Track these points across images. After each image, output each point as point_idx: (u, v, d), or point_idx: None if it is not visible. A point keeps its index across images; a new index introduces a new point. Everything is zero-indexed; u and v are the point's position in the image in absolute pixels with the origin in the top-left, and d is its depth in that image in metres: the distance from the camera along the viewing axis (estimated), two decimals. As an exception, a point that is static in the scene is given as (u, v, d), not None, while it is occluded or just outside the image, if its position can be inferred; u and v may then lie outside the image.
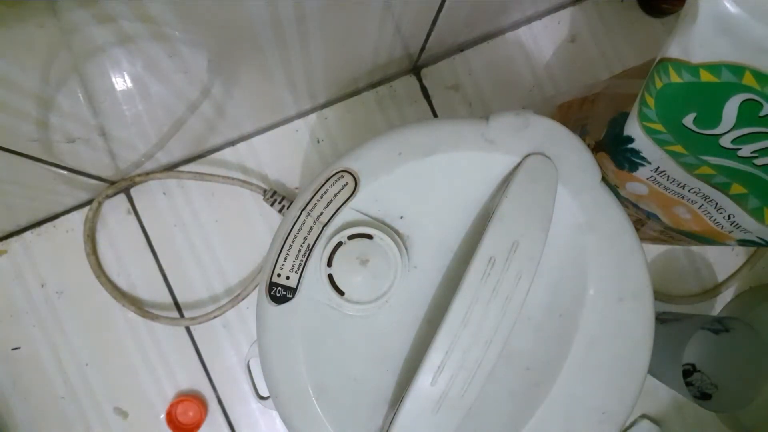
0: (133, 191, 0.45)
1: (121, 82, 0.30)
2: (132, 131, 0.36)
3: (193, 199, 0.45)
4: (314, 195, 0.29)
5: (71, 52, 0.26)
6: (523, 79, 0.47)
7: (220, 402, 0.44)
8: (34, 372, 0.44)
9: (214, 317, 0.42)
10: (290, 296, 0.29)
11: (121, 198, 0.45)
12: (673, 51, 0.23)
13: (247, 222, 0.45)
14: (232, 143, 0.46)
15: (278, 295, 0.29)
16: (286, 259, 0.29)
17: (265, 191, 0.43)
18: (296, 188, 0.46)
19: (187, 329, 0.44)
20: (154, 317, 0.42)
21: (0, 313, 0.44)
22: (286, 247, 0.29)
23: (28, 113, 0.29)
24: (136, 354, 0.44)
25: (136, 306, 0.43)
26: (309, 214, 0.29)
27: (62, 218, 0.45)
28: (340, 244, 0.28)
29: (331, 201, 0.29)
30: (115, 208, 0.45)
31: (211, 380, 0.44)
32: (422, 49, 0.43)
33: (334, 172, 0.29)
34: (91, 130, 0.34)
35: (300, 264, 0.29)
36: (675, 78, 0.24)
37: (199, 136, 0.42)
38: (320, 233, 0.29)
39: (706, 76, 0.23)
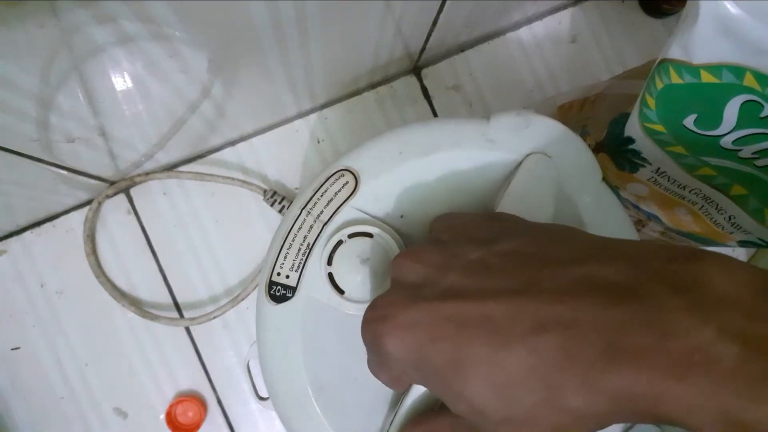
0: (133, 191, 0.45)
1: (121, 82, 0.30)
2: (132, 131, 0.36)
3: (193, 199, 0.45)
4: (314, 194, 0.29)
5: (71, 52, 0.26)
6: (523, 80, 0.47)
7: (219, 402, 0.44)
8: (34, 372, 0.44)
9: (214, 317, 0.42)
10: (290, 295, 0.28)
11: (121, 198, 0.45)
12: (674, 52, 0.23)
13: (247, 222, 0.45)
14: (232, 143, 0.46)
15: (278, 294, 0.29)
16: (286, 258, 0.29)
17: (265, 191, 0.43)
18: (296, 188, 0.46)
19: (187, 329, 0.44)
20: (154, 317, 0.42)
21: (0, 313, 0.44)
22: (286, 245, 0.29)
23: (28, 113, 0.29)
24: (136, 354, 0.44)
25: (136, 306, 0.43)
26: (309, 212, 0.29)
27: (62, 218, 0.45)
28: (340, 242, 0.28)
29: (331, 200, 0.29)
30: (115, 208, 0.45)
31: (210, 380, 0.44)
32: (423, 49, 0.43)
33: (334, 170, 0.29)
34: (91, 130, 0.34)
35: (300, 263, 0.29)
36: (676, 79, 0.24)
37: (199, 136, 0.42)
38: (320, 232, 0.29)
39: (706, 77, 0.23)
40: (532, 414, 0.17)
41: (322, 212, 0.29)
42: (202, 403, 0.44)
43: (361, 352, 0.28)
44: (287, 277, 0.29)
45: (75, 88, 0.29)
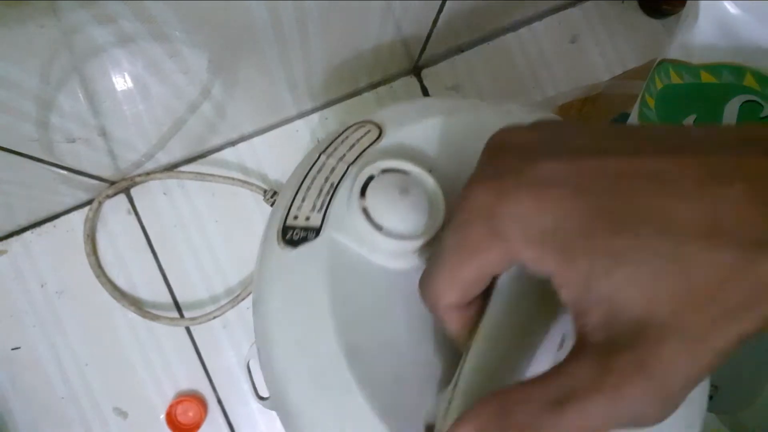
0: (133, 191, 0.45)
1: (122, 83, 0.30)
2: (132, 131, 0.36)
3: (194, 199, 0.45)
4: (335, 140, 0.25)
5: (72, 52, 0.26)
6: (523, 80, 0.47)
7: (220, 402, 0.44)
8: (34, 372, 0.44)
9: (214, 317, 0.42)
10: (313, 236, 0.23)
11: (122, 198, 0.45)
12: (674, 52, 0.23)
13: (247, 222, 0.45)
14: (233, 143, 0.46)
15: (296, 237, 0.23)
16: (304, 200, 0.24)
17: (265, 191, 0.43)
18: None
19: (187, 329, 0.44)
20: (154, 317, 0.42)
21: (0, 313, 0.44)
22: (304, 188, 0.24)
23: (28, 113, 0.29)
24: (136, 354, 0.44)
25: (136, 306, 0.43)
26: (330, 155, 0.25)
27: (62, 218, 0.45)
28: (371, 177, 0.23)
29: (354, 145, 0.25)
30: (115, 208, 0.45)
31: (211, 380, 0.44)
32: (423, 49, 0.43)
33: (354, 122, 0.25)
34: (92, 130, 0.34)
35: (323, 203, 0.23)
36: (675, 79, 0.24)
37: (200, 136, 0.42)
38: (345, 172, 0.24)
39: (706, 78, 0.23)
40: (718, 281, 0.13)
41: (345, 155, 0.24)
42: (202, 403, 0.44)
43: (400, 315, 0.23)
44: (307, 219, 0.23)
45: (75, 88, 0.29)
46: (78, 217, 0.45)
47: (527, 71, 0.47)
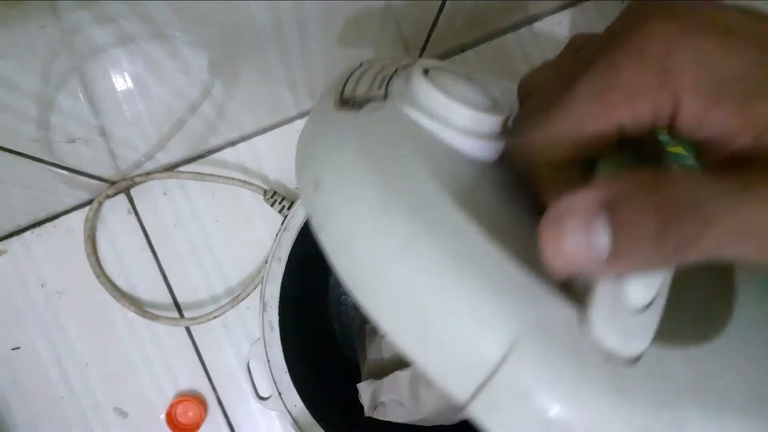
0: (133, 191, 0.45)
1: (122, 83, 0.30)
2: (132, 131, 0.36)
3: (194, 199, 0.45)
4: (372, 58, 0.23)
5: (72, 52, 0.26)
6: (523, 80, 0.47)
7: (220, 402, 0.44)
8: (34, 372, 0.44)
9: (214, 317, 0.42)
10: (380, 101, 0.20)
11: (122, 198, 0.45)
12: (674, 52, 0.23)
13: (247, 222, 0.45)
14: (233, 143, 0.46)
15: (359, 101, 0.20)
16: (358, 83, 0.21)
17: (265, 191, 0.43)
18: (296, 188, 0.46)
19: (187, 329, 0.44)
20: (154, 317, 0.42)
21: (0, 313, 0.44)
22: (355, 76, 0.21)
23: (28, 113, 0.29)
24: (136, 354, 0.44)
25: (136, 306, 0.43)
26: (374, 62, 0.22)
27: (62, 218, 0.45)
28: (427, 70, 0.20)
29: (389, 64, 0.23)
30: (115, 208, 0.45)
31: (211, 380, 0.44)
32: (423, 49, 0.43)
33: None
34: (92, 131, 0.34)
35: (381, 83, 0.21)
36: (676, 79, 0.24)
37: (200, 136, 0.42)
38: (395, 71, 0.21)
39: (706, 78, 0.23)
40: None
41: (388, 65, 0.22)
42: (202, 403, 0.44)
43: (485, 201, 0.19)
44: (368, 91, 0.20)
45: (75, 88, 0.29)
46: (78, 217, 0.45)
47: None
